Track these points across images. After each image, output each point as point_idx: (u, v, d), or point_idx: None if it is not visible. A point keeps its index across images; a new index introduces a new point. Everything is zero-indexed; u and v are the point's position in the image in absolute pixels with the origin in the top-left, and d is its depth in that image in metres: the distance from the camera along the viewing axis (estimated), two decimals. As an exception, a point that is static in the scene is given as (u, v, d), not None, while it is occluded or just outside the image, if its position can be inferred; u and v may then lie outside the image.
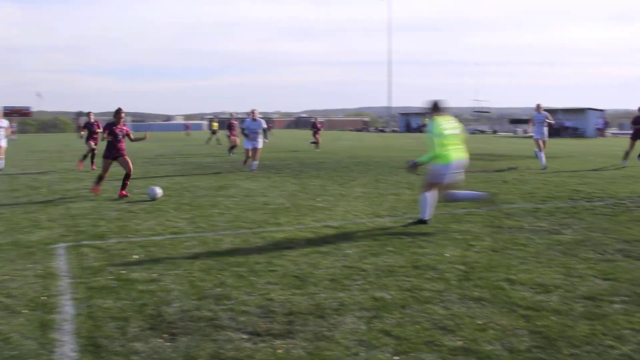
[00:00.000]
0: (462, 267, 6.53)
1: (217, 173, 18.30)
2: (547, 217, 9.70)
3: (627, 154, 20.38)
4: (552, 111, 65.84)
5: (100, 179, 12.64)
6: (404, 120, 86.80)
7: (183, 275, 6.29)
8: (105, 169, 12.53)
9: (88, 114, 21.15)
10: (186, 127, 69.90)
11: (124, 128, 12.69)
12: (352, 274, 6.32)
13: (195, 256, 7.14)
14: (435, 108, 8.92)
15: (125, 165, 12.60)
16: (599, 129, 61.77)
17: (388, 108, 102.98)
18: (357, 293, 5.64)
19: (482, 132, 78.21)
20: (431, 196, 8.91)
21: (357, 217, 9.89)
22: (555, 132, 62.03)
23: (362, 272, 6.36)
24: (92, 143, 19.74)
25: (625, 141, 22.16)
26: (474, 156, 25.42)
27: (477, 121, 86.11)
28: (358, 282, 5.99)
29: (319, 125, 33.88)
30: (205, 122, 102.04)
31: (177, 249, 7.57)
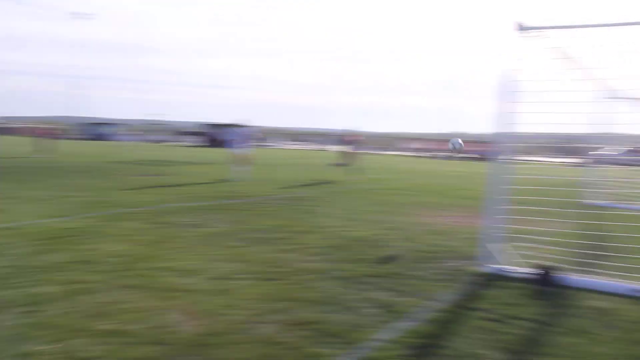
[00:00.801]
0: (121, 259, 6.38)
1: None
2: (197, 214, 10.01)
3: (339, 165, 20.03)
4: (217, 126, 68.12)
5: None
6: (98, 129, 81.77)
7: None
8: None
9: None
10: None
11: None
12: (21, 272, 5.78)
13: None
14: None
15: None
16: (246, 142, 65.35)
17: (72, 117, 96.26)
18: (19, 290, 5.18)
19: (158, 142, 77.52)
20: None
21: (26, 218, 8.95)
22: (220, 143, 64.10)
23: (26, 271, 5.85)
24: None
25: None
26: (144, 162, 25.29)
27: (154, 132, 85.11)
28: (19, 281, 5.48)
29: None
30: None
31: None
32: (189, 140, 78.78)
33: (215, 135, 65.43)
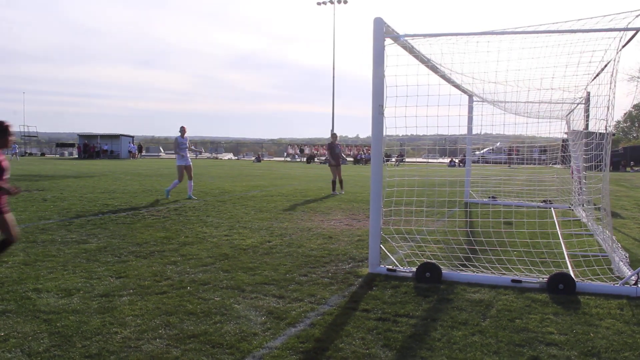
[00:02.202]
0: (-8, 283, 5.95)
1: None
2: (78, 229, 9.51)
3: (334, 183, 17.77)
4: (92, 137, 65.31)
5: None
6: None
7: None
8: None
9: None
10: None
11: None
12: None
13: None
14: None
15: None
16: (131, 152, 63.23)
17: None
18: None
19: (31, 154, 72.72)
20: None
21: None
22: (96, 154, 61.50)
23: None
24: None
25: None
26: (20, 177, 23.61)
27: (27, 144, 79.62)
28: None
29: None
30: None
31: None
32: (64, 151, 74.83)
33: (90, 147, 62.74)
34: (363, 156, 57.39)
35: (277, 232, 9.63)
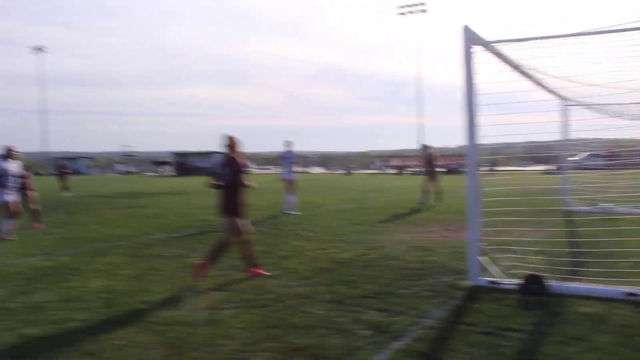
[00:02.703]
0: (106, 295, 6.30)
1: None
2: (179, 244, 9.93)
3: (426, 192, 17.84)
4: (187, 155, 68.11)
5: None
6: (58, 163, 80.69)
7: None
8: None
9: None
10: None
11: None
12: (8, 313, 5.66)
13: None
14: None
15: None
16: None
17: (44, 153, 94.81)
18: (5, 333, 5.07)
19: (130, 172, 76.83)
20: None
21: (7, 258, 8.87)
22: (190, 171, 63.99)
23: (11, 312, 5.73)
24: None
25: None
26: (122, 194, 25.02)
27: (128, 163, 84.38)
28: (5, 322, 5.38)
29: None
30: None
31: None
32: (161, 170, 78.35)
33: (184, 164, 65.32)
34: (454, 166, 56.25)
35: (374, 245, 9.61)
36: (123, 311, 5.70)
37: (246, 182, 7.03)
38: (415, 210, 15.61)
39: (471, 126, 6.64)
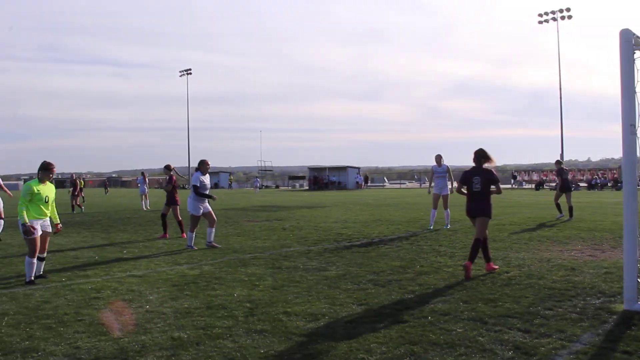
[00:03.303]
0: (248, 305, 6.56)
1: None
2: (317, 257, 10.13)
3: (558, 206, 17.78)
4: (321, 169, 69.77)
5: None
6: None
7: (-10, 334, 5.64)
8: None
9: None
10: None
11: None
12: (154, 317, 6.07)
13: (4, 312, 6.40)
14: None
15: None
16: (357, 183, 65.94)
17: (189, 168, 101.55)
18: (158, 335, 5.43)
19: (267, 187, 79.95)
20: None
21: (158, 266, 9.56)
22: (325, 185, 65.37)
23: (162, 316, 6.14)
24: None
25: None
26: (260, 207, 26.08)
27: (264, 178, 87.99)
28: (159, 325, 5.76)
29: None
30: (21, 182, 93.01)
31: (-15, 309, 6.77)
32: (295, 183, 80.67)
33: (319, 178, 66.80)
34: (598, 181, 52.45)
35: (515, 262, 9.19)
36: (264, 320, 5.88)
37: (500, 189, 8.63)
38: (557, 228, 14.71)
39: (628, 137, 6.14)
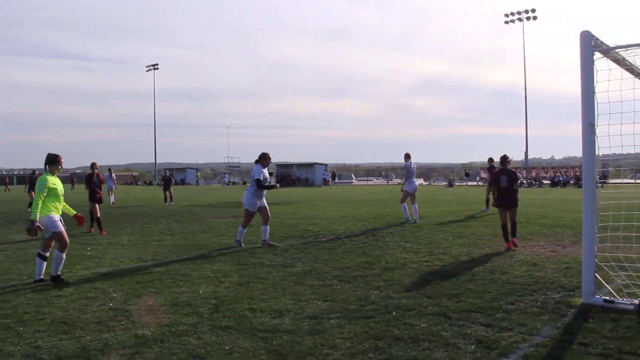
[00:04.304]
0: (213, 301, 6.53)
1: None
2: (283, 253, 10.13)
3: (487, 201, 19.27)
4: (288, 166, 69.68)
5: None
6: (164, 174, 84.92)
7: (-53, 333, 5.48)
8: None
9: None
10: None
11: None
12: (117, 315, 6.00)
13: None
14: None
15: None
16: (325, 179, 66.07)
17: (154, 164, 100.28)
18: (121, 332, 5.36)
19: (235, 183, 79.51)
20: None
21: (123, 263, 9.43)
22: (293, 182, 65.34)
23: (126, 313, 6.07)
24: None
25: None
26: (226, 204, 25.91)
27: (231, 174, 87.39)
28: (122, 323, 5.70)
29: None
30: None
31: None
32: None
33: (287, 175, 66.74)
34: (561, 179, 53.88)
35: (478, 259, 9.34)
36: (229, 317, 5.87)
37: (518, 187, 11.02)
38: (521, 224, 15.00)
39: (588, 136, 6.30)
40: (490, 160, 20.73)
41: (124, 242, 12.37)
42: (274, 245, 11.19)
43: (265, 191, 11.56)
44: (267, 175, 11.53)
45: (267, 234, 11.49)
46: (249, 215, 11.37)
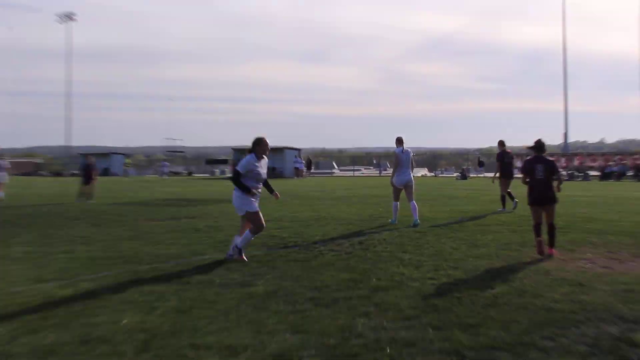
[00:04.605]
0: (141, 336, 6.35)
1: None
2: (239, 268, 10.00)
3: (503, 198, 20.31)
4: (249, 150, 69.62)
5: None
6: (84, 161, 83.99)
7: None
8: None
9: None
10: None
11: None
12: (9, 360, 5.81)
13: None
14: None
15: None
16: (297, 169, 65.96)
17: (67, 148, 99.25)
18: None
19: (177, 173, 79.21)
20: None
21: (12, 285, 9.01)
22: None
23: (11, 358, 5.83)
24: None
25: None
26: (165, 202, 25.69)
27: (172, 162, 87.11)
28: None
29: None
30: None
31: None
32: (215, 169, 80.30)
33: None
34: (614, 169, 54.31)
35: (503, 275, 9.30)
36: (163, 357, 5.72)
37: (561, 179, 11.90)
38: (560, 230, 15.02)
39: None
40: (501, 143, 21.33)
41: (16, 255, 12.00)
42: (245, 260, 10.79)
43: (260, 186, 11.17)
44: (260, 169, 11.01)
45: (243, 244, 10.93)
46: (251, 218, 10.97)
